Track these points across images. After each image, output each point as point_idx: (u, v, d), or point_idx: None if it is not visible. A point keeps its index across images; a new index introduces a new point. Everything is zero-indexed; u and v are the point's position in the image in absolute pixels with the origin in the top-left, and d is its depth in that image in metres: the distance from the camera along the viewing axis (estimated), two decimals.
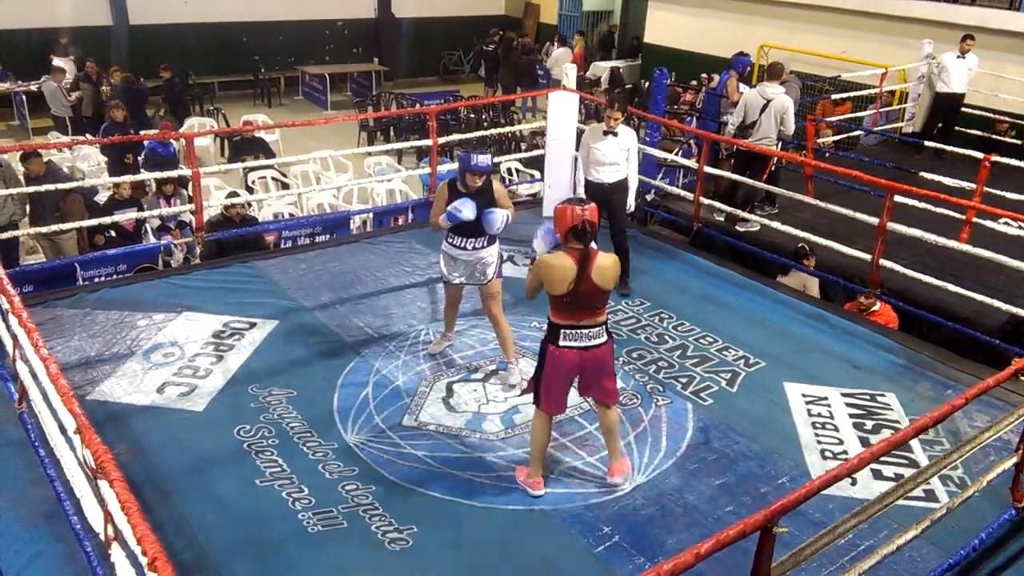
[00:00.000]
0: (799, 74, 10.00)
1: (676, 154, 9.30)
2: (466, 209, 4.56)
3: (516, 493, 4.04)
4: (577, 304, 3.73)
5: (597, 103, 11.46)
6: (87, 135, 11.27)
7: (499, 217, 4.64)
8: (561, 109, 7.38)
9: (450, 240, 4.85)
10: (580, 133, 7.88)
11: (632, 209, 6.33)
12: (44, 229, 6.38)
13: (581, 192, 6.15)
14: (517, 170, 9.93)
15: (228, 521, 3.76)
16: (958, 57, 9.69)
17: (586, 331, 3.79)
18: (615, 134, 5.93)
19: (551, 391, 3.90)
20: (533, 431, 4.03)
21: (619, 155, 5.97)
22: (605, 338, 3.86)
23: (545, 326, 3.96)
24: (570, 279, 3.68)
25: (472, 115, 12.75)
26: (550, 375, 3.86)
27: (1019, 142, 10.12)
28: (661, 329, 5.71)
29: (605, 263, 3.74)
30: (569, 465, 4.26)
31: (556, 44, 16.41)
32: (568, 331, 3.78)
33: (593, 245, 3.82)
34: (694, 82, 13.30)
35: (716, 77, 11.85)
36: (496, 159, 9.47)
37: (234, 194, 7.62)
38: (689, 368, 5.24)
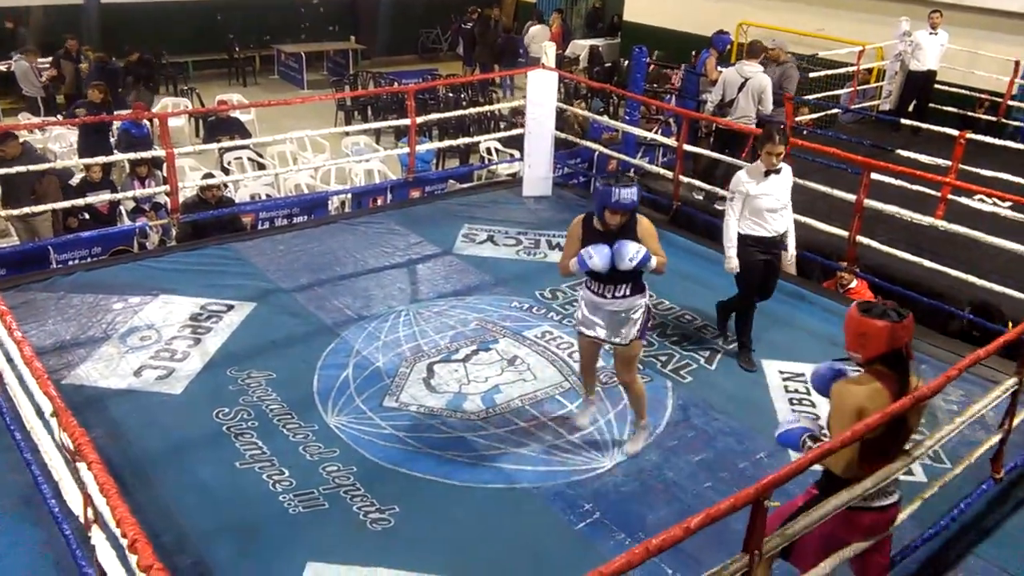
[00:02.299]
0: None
1: (656, 132, 9.29)
2: (597, 256, 3.78)
3: (497, 472, 4.06)
4: (883, 449, 2.77)
5: (576, 82, 11.45)
6: (63, 115, 11.07)
7: (630, 250, 3.77)
8: (540, 88, 7.34)
9: (589, 286, 4.02)
10: (560, 112, 7.86)
11: (794, 259, 5.28)
12: (16, 212, 6.27)
13: (732, 255, 4.94)
14: (497, 149, 9.87)
15: (208, 504, 3.75)
16: (930, 33, 9.75)
17: (884, 486, 2.78)
18: (778, 172, 4.89)
19: (815, 552, 2.86)
20: None
21: (787, 195, 4.98)
22: (898, 496, 2.90)
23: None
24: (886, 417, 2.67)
25: (451, 94, 12.66)
26: (824, 535, 2.85)
27: (994, 119, 10.20)
28: None
29: (924, 390, 2.79)
30: (550, 443, 4.28)
31: (534, 21, 16.31)
32: (860, 484, 2.78)
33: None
34: (683, 64, 13.26)
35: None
36: (475, 138, 9.43)
37: (210, 175, 7.52)
38: (668, 346, 5.27)
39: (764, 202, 4.90)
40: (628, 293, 3.96)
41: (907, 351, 2.72)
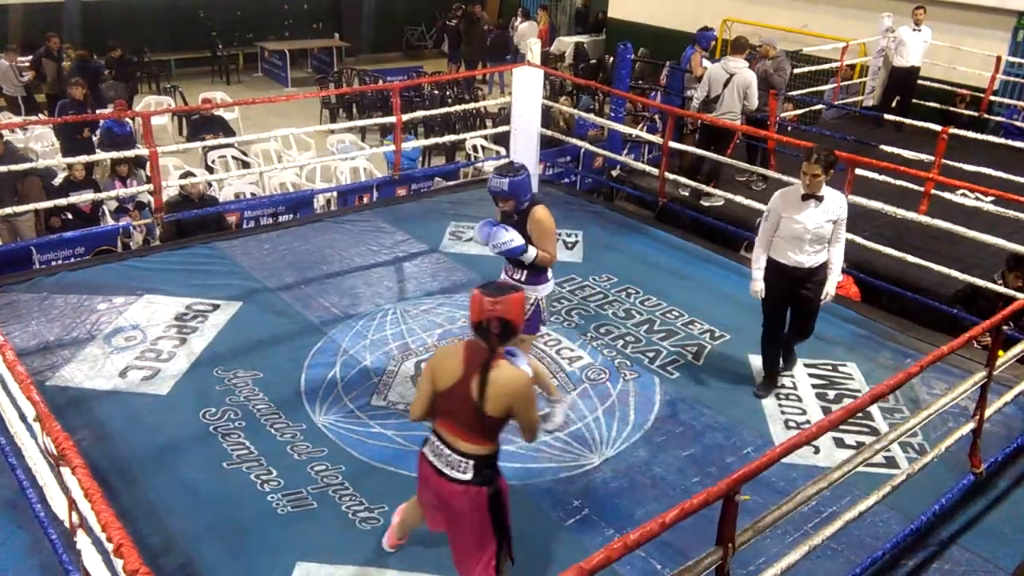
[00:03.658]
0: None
1: (641, 129, 9.31)
2: (477, 228, 3.99)
3: None
4: (445, 410, 2.91)
5: (562, 79, 11.45)
6: (44, 114, 10.97)
7: (499, 236, 3.84)
8: (526, 85, 7.33)
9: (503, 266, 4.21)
10: (546, 110, 7.86)
11: (829, 299, 4.63)
12: None
13: (754, 276, 4.57)
14: (483, 147, 9.87)
15: (196, 505, 3.73)
16: (914, 30, 9.82)
17: (445, 449, 2.89)
18: (819, 199, 4.33)
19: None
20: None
21: (825, 228, 4.38)
22: (466, 477, 2.85)
23: None
24: (453, 376, 2.86)
25: (436, 91, 12.63)
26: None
27: (975, 114, 10.29)
28: (628, 304, 5.75)
29: (502, 376, 2.81)
30: (539, 440, 4.28)
31: (521, 19, 16.29)
32: (432, 435, 2.96)
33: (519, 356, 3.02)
34: (668, 61, 13.28)
35: None
36: (461, 136, 9.41)
37: (190, 174, 7.46)
38: (656, 342, 5.28)
39: (789, 228, 4.39)
40: (523, 280, 4.04)
41: (490, 326, 2.83)
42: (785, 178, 6.71)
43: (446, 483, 2.90)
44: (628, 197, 8.09)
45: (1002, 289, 5.45)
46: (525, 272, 4.04)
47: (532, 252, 3.91)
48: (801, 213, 4.35)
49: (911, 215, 6.00)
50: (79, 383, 4.54)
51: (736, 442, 4.37)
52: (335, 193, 7.90)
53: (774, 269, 4.54)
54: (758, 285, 4.60)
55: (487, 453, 2.89)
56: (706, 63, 8.26)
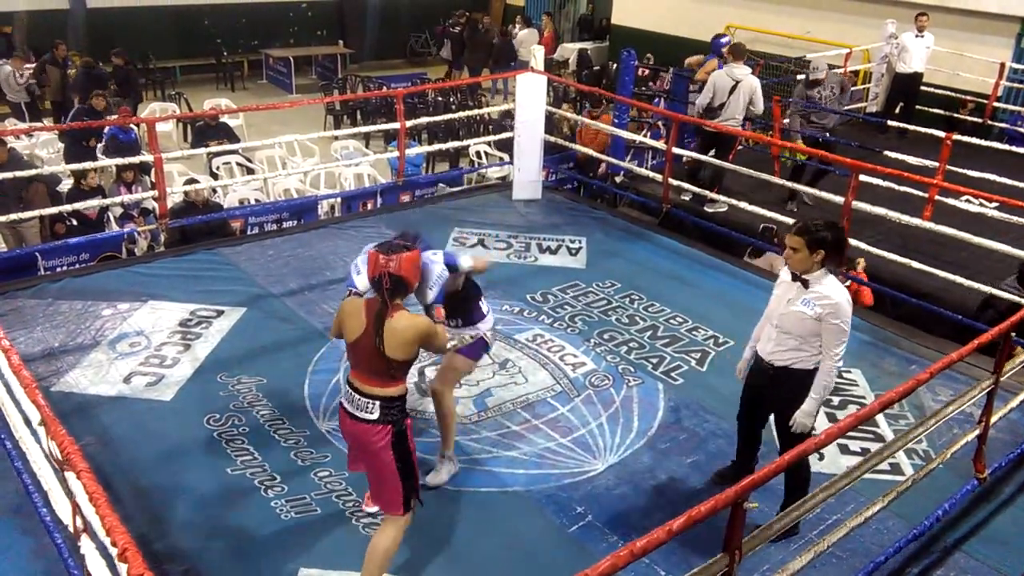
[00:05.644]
0: (765, 55, 10.05)
1: (644, 135, 9.31)
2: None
3: (490, 475, 4.06)
4: (354, 358, 3.22)
5: (565, 85, 11.46)
6: (49, 121, 11.00)
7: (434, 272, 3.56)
8: (529, 91, 7.35)
9: None
10: (549, 116, 7.86)
11: (796, 427, 3.55)
12: (3, 218, 6.23)
13: (744, 354, 3.84)
14: (486, 153, 9.88)
15: (199, 510, 3.74)
16: (917, 36, 9.83)
17: (355, 395, 3.17)
18: (804, 283, 3.47)
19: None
20: None
21: (793, 321, 3.48)
22: (374, 417, 3.13)
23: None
24: (357, 331, 3.15)
25: (440, 98, 12.66)
26: None
27: (980, 121, 10.28)
28: (632, 310, 5.74)
29: (398, 325, 3.08)
30: (542, 446, 4.28)
31: (522, 25, 16.33)
32: (346, 385, 3.24)
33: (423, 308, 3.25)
34: (671, 68, 13.29)
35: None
36: (465, 142, 9.44)
37: (193, 180, 7.48)
38: (660, 348, 5.28)
39: (769, 307, 3.68)
40: (460, 325, 3.89)
41: (382, 281, 3.09)
42: (788, 184, 6.73)
43: (358, 424, 3.18)
44: (632, 203, 8.09)
45: (1014, 297, 5.43)
46: (459, 319, 3.87)
47: (467, 262, 3.78)
48: (782, 292, 3.60)
49: (915, 221, 5.99)
50: (83, 389, 4.55)
51: None
52: (339, 199, 7.91)
53: (752, 357, 3.81)
54: (741, 363, 3.91)
55: (391, 395, 3.16)
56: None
